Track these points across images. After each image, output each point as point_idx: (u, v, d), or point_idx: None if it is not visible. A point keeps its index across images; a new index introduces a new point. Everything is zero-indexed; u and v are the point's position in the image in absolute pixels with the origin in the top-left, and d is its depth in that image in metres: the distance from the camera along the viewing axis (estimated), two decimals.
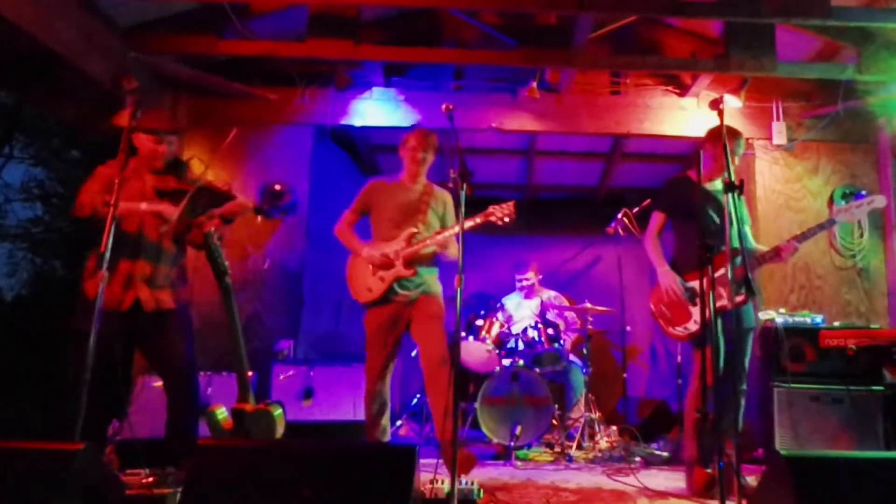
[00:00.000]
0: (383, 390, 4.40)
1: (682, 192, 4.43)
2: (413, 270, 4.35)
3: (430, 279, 4.51)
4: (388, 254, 4.34)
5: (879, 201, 4.16)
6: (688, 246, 4.32)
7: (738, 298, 4.06)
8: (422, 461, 2.80)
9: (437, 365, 4.30)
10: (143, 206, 3.83)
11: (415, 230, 4.40)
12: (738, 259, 4.07)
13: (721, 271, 4.05)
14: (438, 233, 4.42)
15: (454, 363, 3.43)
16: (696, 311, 4.14)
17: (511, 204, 4.32)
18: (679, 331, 4.27)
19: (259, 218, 4.24)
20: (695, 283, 4.14)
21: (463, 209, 3.40)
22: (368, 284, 4.40)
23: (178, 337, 3.94)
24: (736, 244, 3.44)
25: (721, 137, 4.15)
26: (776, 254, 4.15)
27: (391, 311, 4.39)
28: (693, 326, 4.17)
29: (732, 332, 4.11)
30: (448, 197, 4.65)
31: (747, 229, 4.44)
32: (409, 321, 4.43)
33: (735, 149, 4.27)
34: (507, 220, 4.29)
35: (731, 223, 3.41)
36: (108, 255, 3.17)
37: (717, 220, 4.32)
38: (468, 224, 4.07)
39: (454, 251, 4.39)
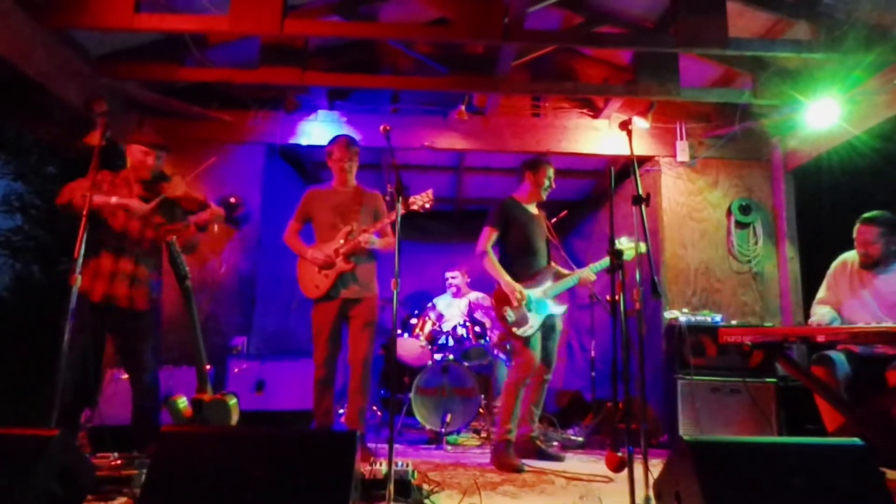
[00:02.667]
0: (329, 378, 4.63)
1: (511, 212, 4.86)
2: (352, 264, 4.66)
3: (370, 276, 4.80)
4: (329, 253, 4.67)
5: (641, 247, 4.43)
6: (514, 258, 4.79)
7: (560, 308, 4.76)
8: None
9: (358, 365, 4.61)
10: (114, 199, 3.97)
11: (349, 228, 4.71)
12: (550, 276, 4.77)
13: (539, 288, 4.71)
14: (372, 226, 4.73)
15: (391, 358, 3.65)
16: (531, 316, 4.60)
17: (429, 192, 4.62)
18: (520, 332, 4.59)
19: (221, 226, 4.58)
20: (529, 291, 4.66)
21: (399, 220, 3.56)
22: (316, 282, 4.70)
23: (145, 336, 4.12)
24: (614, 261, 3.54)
25: (539, 167, 4.88)
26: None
27: (335, 307, 4.66)
28: (530, 331, 4.59)
29: (548, 332, 4.79)
30: (377, 195, 4.98)
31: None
32: (349, 319, 4.71)
33: (547, 173, 4.92)
34: (427, 206, 4.57)
35: (649, 237, 3.59)
36: (80, 260, 3.30)
37: (537, 238, 4.84)
38: (394, 216, 4.27)
39: (391, 241, 4.69)
